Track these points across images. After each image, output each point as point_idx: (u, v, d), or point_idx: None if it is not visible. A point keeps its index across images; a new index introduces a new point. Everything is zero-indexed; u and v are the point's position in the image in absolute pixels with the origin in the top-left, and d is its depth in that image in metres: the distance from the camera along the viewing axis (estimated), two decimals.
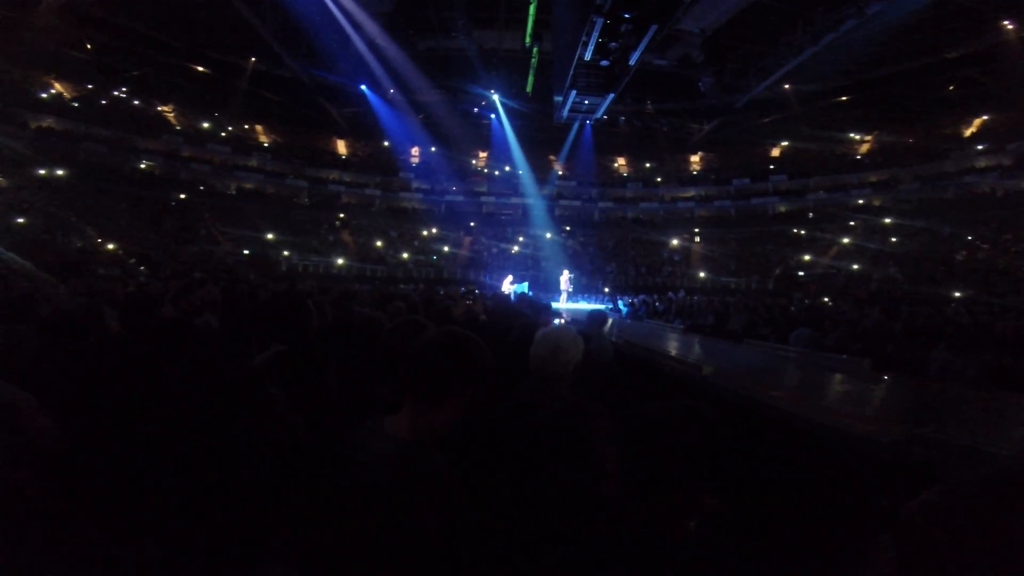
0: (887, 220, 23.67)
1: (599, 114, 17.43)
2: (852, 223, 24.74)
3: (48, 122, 22.71)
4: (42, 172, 20.75)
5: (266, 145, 28.97)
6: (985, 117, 23.15)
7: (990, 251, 19.62)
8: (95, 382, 1.75)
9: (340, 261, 23.90)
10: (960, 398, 3.19)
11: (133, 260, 18.14)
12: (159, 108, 26.34)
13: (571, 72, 13.82)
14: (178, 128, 26.79)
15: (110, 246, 18.87)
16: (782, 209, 27.38)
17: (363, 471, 1.14)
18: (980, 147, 22.88)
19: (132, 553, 1.12)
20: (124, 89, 24.59)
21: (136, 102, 25.38)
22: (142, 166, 24.64)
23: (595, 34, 11.79)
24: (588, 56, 12.74)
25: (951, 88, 21.33)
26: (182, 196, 24.77)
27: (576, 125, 24.05)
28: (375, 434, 1.20)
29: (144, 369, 1.73)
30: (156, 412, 1.48)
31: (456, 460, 1.21)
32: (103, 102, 24.42)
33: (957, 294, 15.50)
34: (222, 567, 1.22)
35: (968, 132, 23.89)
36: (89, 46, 21.01)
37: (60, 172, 21.20)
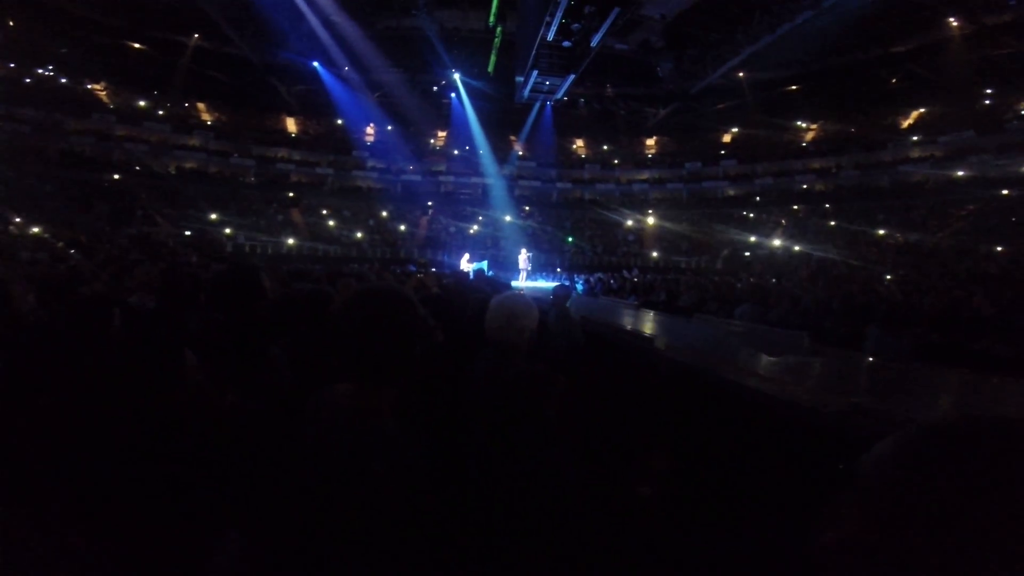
0: (827, 205, 24.93)
1: (560, 95, 17.39)
2: (796, 207, 25.92)
3: None
4: None
5: (209, 123, 27.45)
6: (922, 110, 24.54)
7: (920, 235, 21.00)
8: (5, 365, 1.60)
9: (291, 241, 23.06)
10: (892, 371, 3.37)
11: (62, 244, 16.84)
12: (89, 86, 24.47)
13: (533, 52, 13.70)
14: (111, 107, 25.03)
15: (35, 229, 17.45)
16: (731, 193, 28.36)
17: (313, 444, 1.09)
18: (915, 138, 24.28)
19: (71, 539, 1.04)
20: (49, 68, 22.73)
21: (63, 80, 23.47)
22: (71, 147, 22.88)
23: (559, 14, 11.72)
24: (551, 36, 12.67)
25: (894, 81, 22.47)
26: (116, 177, 23.26)
27: (537, 106, 24.00)
28: (325, 405, 1.15)
29: (61, 349, 1.60)
30: (73, 391, 1.36)
31: (413, 430, 1.16)
32: (26, 80, 22.51)
33: (888, 276, 16.50)
34: (177, 537, 1.15)
35: (905, 124, 25.31)
36: (12, 23, 19.29)
37: None
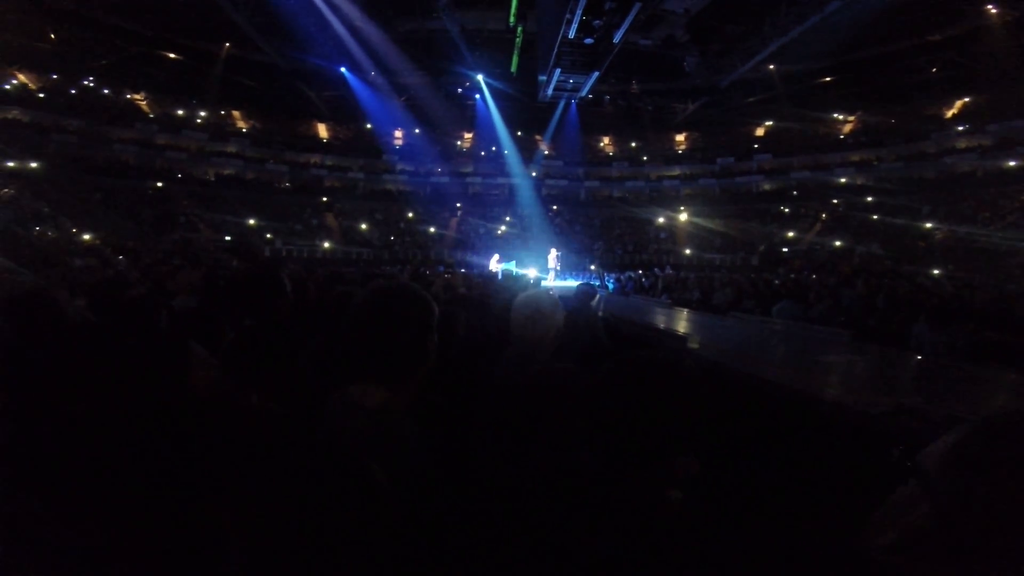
0: (869, 199, 23.97)
1: (583, 93, 17.29)
2: (835, 201, 25.01)
3: (14, 113, 22.06)
4: (11, 164, 20.07)
5: (244, 131, 28.33)
6: (967, 99, 23.43)
7: (969, 228, 19.97)
8: (52, 369, 1.67)
9: (326, 245, 23.59)
10: (940, 370, 3.22)
11: (110, 250, 17.71)
12: (130, 96, 25.58)
13: (555, 51, 13.65)
14: (151, 116, 26.07)
15: (86, 237, 18.39)
16: (766, 187, 27.58)
17: (330, 444, 1.09)
18: (961, 128, 23.15)
19: (81, 534, 1.07)
20: (91, 79, 23.88)
21: (105, 91, 24.62)
22: (116, 156, 23.96)
23: (579, 12, 11.64)
24: (572, 34, 12.58)
25: (934, 70, 21.61)
26: (159, 184, 24.20)
27: (561, 104, 23.90)
28: (344, 405, 1.15)
29: (109, 351, 1.66)
30: (121, 393, 1.41)
31: (431, 430, 1.15)
32: (71, 92, 23.72)
33: (936, 271, 15.77)
34: (181, 537, 1.17)
35: (950, 113, 24.16)
36: (53, 36, 20.39)
37: (33, 165, 20.62)
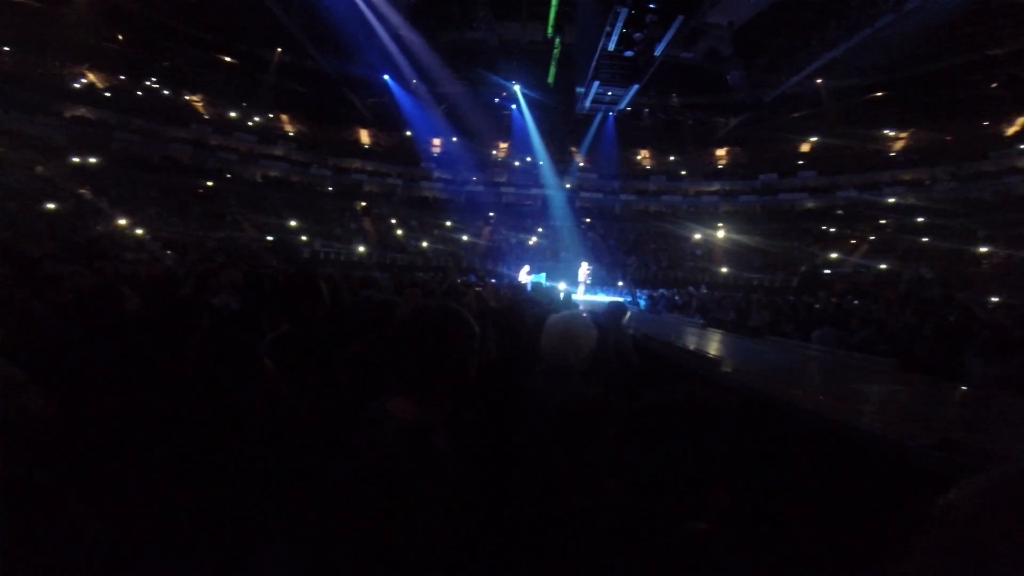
0: (920, 220, 22.88)
1: (622, 106, 17.23)
2: (883, 221, 23.97)
3: (82, 111, 23.32)
4: (76, 160, 21.32)
5: (291, 135, 29.34)
6: None
7: None
8: (110, 361, 1.77)
9: (361, 249, 24.10)
10: (992, 403, 3.05)
11: (160, 245, 18.61)
12: (188, 98, 26.87)
13: (594, 63, 13.68)
14: (206, 117, 27.26)
15: (139, 231, 19.37)
16: (810, 206, 26.65)
17: (365, 455, 1.12)
18: (1023, 147, 21.91)
19: (134, 528, 1.12)
20: (154, 79, 25.21)
21: (166, 92, 25.96)
22: (171, 154, 25.15)
23: (619, 24, 11.63)
24: (612, 46, 12.58)
25: (993, 86, 20.51)
26: (209, 184, 25.21)
27: (599, 117, 23.83)
28: (380, 417, 1.18)
29: (158, 348, 1.75)
30: (166, 390, 1.48)
31: (465, 445, 1.17)
32: (137, 92, 25.10)
33: (995, 299, 14.90)
34: (225, 541, 1.22)
35: (1010, 131, 22.89)
36: (120, 37, 21.60)
37: (93, 160, 21.80)
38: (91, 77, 24.56)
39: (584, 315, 2.02)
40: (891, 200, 24.37)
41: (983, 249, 20.06)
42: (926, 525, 0.49)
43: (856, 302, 11.51)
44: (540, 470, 1.18)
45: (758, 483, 1.74)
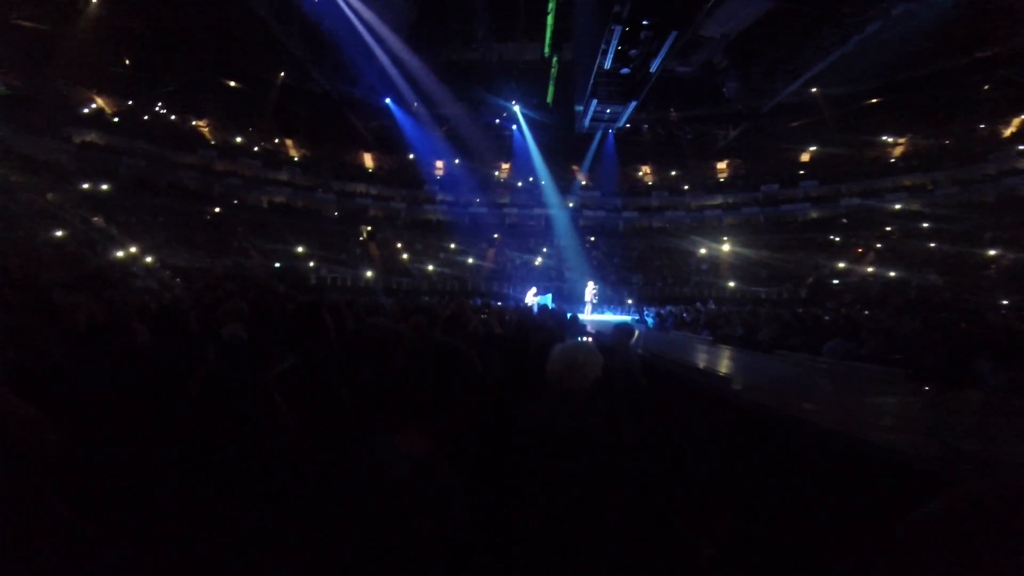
0: (925, 225, 22.78)
1: (621, 123, 17.39)
2: (888, 228, 23.88)
3: (91, 137, 23.49)
4: (85, 186, 21.51)
5: (296, 159, 29.66)
6: None
7: None
8: (118, 391, 1.79)
9: (368, 274, 24.17)
10: (1005, 412, 3.01)
11: (169, 273, 18.76)
12: (194, 123, 27.20)
13: (591, 81, 13.84)
14: (212, 143, 27.55)
15: (148, 259, 19.53)
16: (814, 215, 26.63)
17: (372, 489, 1.13)
18: (1022, 147, 21.89)
19: (138, 555, 1.13)
20: (161, 104, 25.55)
21: (173, 117, 26.25)
22: (178, 180, 25.35)
23: (614, 42, 11.78)
24: (608, 64, 12.73)
25: (987, 88, 20.62)
26: (216, 210, 25.43)
27: (599, 134, 24.06)
28: (386, 450, 1.19)
29: (166, 379, 1.77)
30: (173, 422, 1.50)
31: (469, 473, 1.18)
32: (144, 117, 25.36)
33: (1005, 301, 14.72)
34: (231, 573, 1.22)
35: (1008, 132, 22.92)
36: (127, 61, 21.92)
37: (104, 187, 21.96)
38: (99, 102, 24.86)
39: (589, 343, 2.02)
40: (895, 207, 24.33)
41: (991, 252, 19.92)
42: (925, 527, 0.51)
43: (866, 312, 11.41)
44: (544, 502, 1.18)
45: (766, 505, 1.72)
